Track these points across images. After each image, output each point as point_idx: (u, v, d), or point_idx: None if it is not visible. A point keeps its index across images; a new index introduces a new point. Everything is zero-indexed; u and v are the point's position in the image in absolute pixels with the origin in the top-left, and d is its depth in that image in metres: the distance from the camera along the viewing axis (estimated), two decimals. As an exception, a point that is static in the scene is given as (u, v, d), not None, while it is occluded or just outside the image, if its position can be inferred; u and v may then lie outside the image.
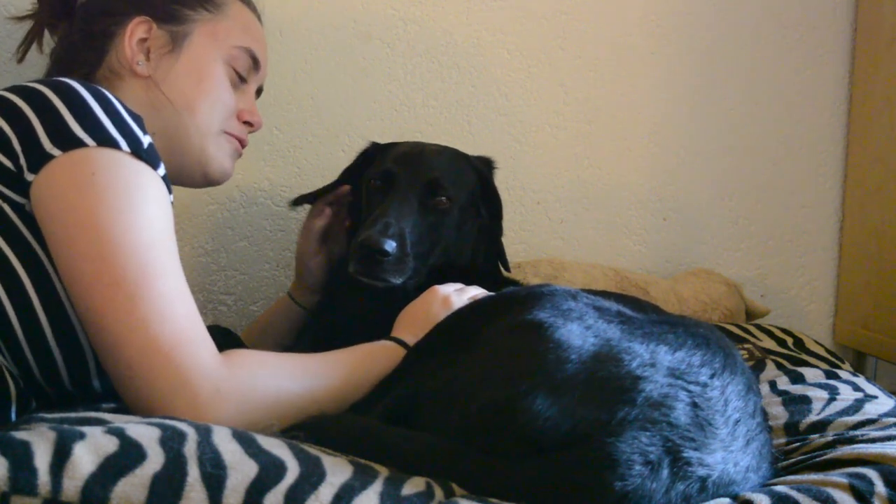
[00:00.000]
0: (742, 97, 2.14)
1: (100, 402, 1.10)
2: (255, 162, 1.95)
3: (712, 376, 1.01)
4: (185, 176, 1.38)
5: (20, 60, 1.43)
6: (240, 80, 1.39)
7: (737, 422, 0.99)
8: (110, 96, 1.11)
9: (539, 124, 2.08)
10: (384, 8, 1.98)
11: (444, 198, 1.38)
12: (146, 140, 1.11)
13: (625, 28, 2.09)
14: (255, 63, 1.41)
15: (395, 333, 1.26)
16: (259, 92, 1.50)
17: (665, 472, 0.90)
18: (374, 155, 1.52)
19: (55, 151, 1.03)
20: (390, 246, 1.26)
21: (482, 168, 1.50)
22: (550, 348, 0.97)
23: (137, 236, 1.03)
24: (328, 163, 1.97)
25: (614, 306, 1.13)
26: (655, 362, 0.98)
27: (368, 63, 1.99)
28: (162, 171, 1.12)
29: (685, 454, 0.91)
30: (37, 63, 1.43)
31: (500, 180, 1.52)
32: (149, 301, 1.00)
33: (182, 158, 1.34)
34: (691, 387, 0.97)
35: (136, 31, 1.31)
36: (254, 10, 1.46)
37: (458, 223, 1.42)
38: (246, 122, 1.42)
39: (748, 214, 2.17)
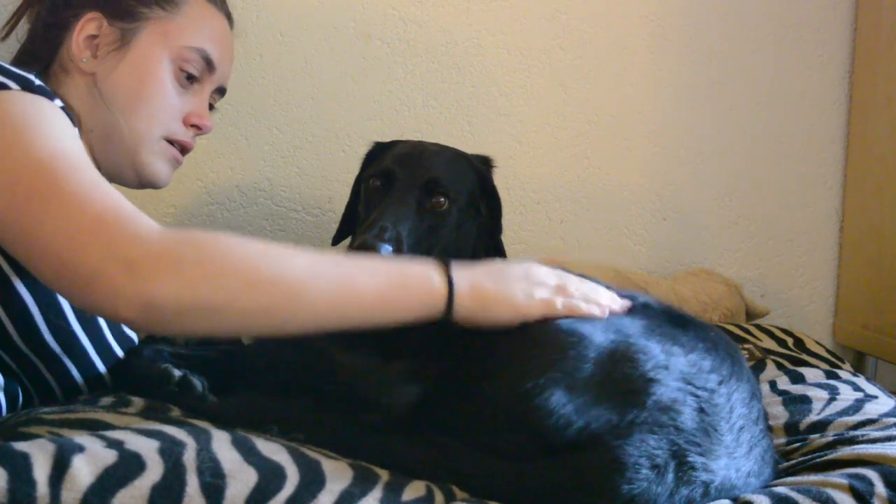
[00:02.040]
0: (742, 97, 2.14)
1: (64, 363, 1.12)
2: (255, 162, 1.95)
3: (720, 383, 1.01)
4: (120, 177, 1.34)
5: (4, 37, 1.41)
6: (190, 81, 1.35)
7: (741, 429, 0.99)
8: None
9: (539, 124, 2.07)
10: (384, 8, 1.98)
11: (442, 198, 1.38)
12: (36, 80, 1.09)
13: (625, 28, 2.08)
14: (209, 64, 1.36)
15: (455, 270, 1.07)
16: (222, 92, 1.46)
17: (670, 476, 0.90)
18: (376, 154, 1.52)
19: None
20: (386, 251, 1.26)
21: (481, 167, 1.50)
22: (572, 342, 0.98)
23: (39, 149, 1.00)
24: (328, 163, 1.98)
25: (640, 297, 1.14)
26: (669, 365, 0.99)
27: (368, 63, 1.99)
28: (59, 103, 1.10)
29: (690, 459, 0.92)
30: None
31: (500, 180, 1.51)
32: (64, 197, 0.96)
33: (117, 159, 1.31)
34: (699, 392, 0.98)
35: (87, 27, 1.29)
36: (220, 8, 1.41)
37: (457, 223, 1.42)
38: (194, 126, 1.38)
39: (748, 214, 2.17)
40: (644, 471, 0.89)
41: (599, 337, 1.00)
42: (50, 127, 1.05)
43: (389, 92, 2.00)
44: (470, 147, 1.54)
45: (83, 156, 1.04)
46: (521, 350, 1.01)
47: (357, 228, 1.41)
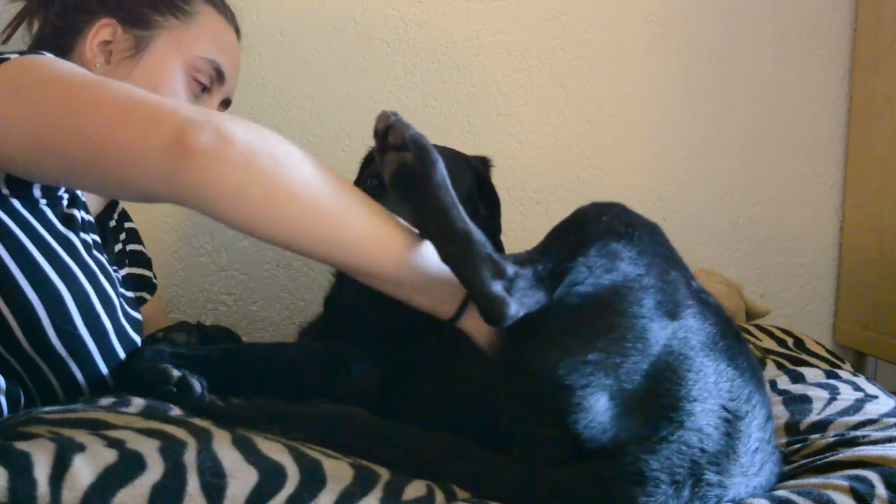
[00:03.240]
0: (742, 97, 2.14)
1: (69, 366, 1.12)
2: (254, 162, 1.95)
3: (748, 413, 1.00)
4: None
5: (5, 41, 1.41)
6: (202, 91, 1.37)
7: (755, 451, 0.99)
8: None
9: (539, 124, 2.07)
10: (384, 8, 1.98)
11: (440, 196, 1.38)
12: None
13: (625, 28, 2.09)
14: (220, 75, 1.38)
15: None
16: (227, 104, 1.47)
17: (686, 492, 0.91)
18: (373, 158, 1.52)
19: None
20: None
21: (479, 167, 1.50)
22: (634, 350, 0.95)
23: (67, 72, 1.03)
24: (328, 163, 1.95)
25: (712, 299, 1.11)
26: (714, 390, 0.97)
27: (368, 63, 1.99)
28: None
29: (706, 476, 0.92)
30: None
31: (500, 180, 1.52)
32: (109, 97, 0.99)
33: None
34: (730, 417, 0.97)
35: (101, 32, 1.30)
36: (230, 21, 1.43)
37: (455, 221, 1.42)
38: None
39: (748, 214, 2.17)
40: (664, 486, 0.89)
41: (660, 345, 0.97)
42: (69, 63, 1.07)
43: (389, 92, 2.00)
44: (470, 147, 1.54)
45: None
46: (589, 336, 0.96)
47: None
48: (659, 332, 0.97)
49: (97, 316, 1.15)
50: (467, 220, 0.96)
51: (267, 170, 0.96)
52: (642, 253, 1.02)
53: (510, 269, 0.94)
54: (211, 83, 1.38)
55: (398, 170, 0.96)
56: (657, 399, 0.94)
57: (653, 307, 0.99)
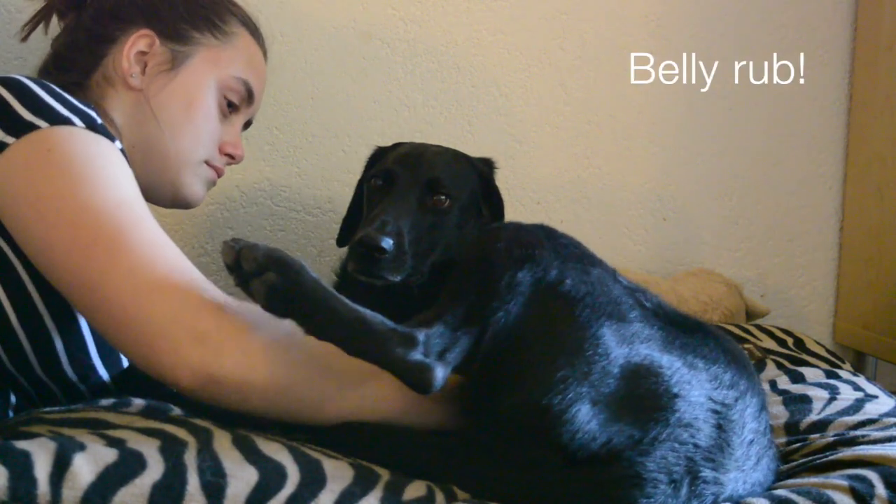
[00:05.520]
0: (742, 97, 2.14)
1: (78, 388, 1.12)
2: (255, 162, 1.95)
3: (737, 399, 1.01)
4: (154, 194, 1.35)
5: (24, 39, 1.41)
6: (230, 110, 1.38)
7: (751, 442, 0.99)
8: (57, 88, 1.10)
9: (539, 124, 2.07)
10: (384, 8, 1.98)
11: (444, 197, 1.38)
12: (99, 119, 1.09)
13: (625, 28, 2.09)
14: (250, 96, 1.39)
15: None
16: (247, 125, 1.48)
17: (684, 490, 0.91)
18: (379, 157, 1.52)
19: (8, 139, 1.01)
20: (387, 243, 1.26)
21: (483, 168, 1.50)
22: (598, 356, 0.96)
23: (105, 196, 1.00)
24: (328, 163, 1.97)
25: (654, 299, 1.11)
26: (692, 380, 0.98)
27: (368, 63, 1.99)
28: (119, 145, 1.10)
29: (703, 473, 0.93)
30: (41, 44, 1.41)
31: (500, 180, 1.52)
32: (131, 250, 0.96)
33: (156, 177, 1.31)
34: (718, 407, 0.98)
35: (138, 43, 1.29)
36: (261, 44, 1.44)
37: (458, 222, 1.42)
38: (227, 154, 1.41)
39: (748, 214, 2.18)
40: (662, 486, 0.90)
41: (623, 349, 0.97)
42: (114, 172, 1.04)
43: (389, 92, 2.00)
44: (470, 147, 1.54)
45: (144, 205, 1.04)
46: (547, 359, 0.96)
47: (359, 225, 1.41)
48: (612, 336, 0.98)
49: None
50: (354, 306, 0.93)
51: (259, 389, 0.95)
52: (549, 267, 1.01)
53: (419, 335, 0.92)
54: (240, 103, 1.39)
55: (269, 294, 0.92)
56: (639, 401, 0.94)
57: (591, 313, 0.98)
